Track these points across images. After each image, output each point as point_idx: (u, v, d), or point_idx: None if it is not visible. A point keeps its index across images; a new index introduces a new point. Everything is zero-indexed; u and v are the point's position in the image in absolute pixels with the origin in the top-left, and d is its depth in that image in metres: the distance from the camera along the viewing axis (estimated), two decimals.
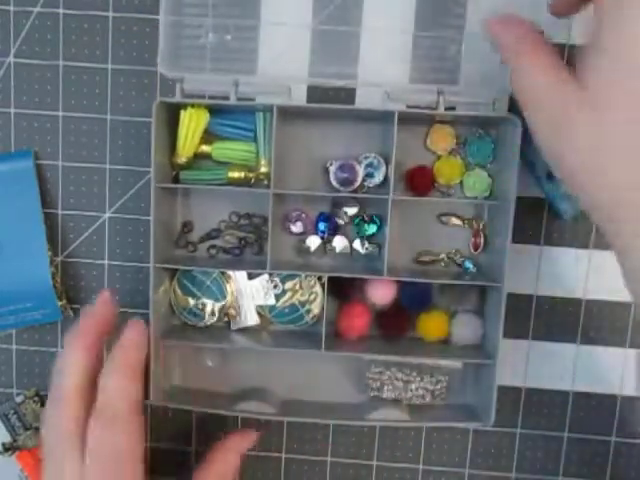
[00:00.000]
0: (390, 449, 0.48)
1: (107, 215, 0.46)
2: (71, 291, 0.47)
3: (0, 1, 0.44)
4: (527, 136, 0.40)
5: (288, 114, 0.43)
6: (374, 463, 0.48)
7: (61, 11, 0.44)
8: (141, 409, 0.37)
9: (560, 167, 0.31)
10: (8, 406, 0.47)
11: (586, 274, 0.45)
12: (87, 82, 0.45)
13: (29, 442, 0.47)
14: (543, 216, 0.45)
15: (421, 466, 0.48)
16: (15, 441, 0.47)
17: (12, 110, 0.45)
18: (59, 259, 0.47)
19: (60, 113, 0.45)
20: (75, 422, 0.36)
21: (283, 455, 0.48)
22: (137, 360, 0.38)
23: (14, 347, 0.48)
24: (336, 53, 0.43)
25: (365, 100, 0.44)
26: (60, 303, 0.46)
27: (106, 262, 0.47)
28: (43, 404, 0.47)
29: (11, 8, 0.44)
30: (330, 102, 0.44)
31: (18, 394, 0.48)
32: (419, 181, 0.44)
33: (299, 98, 0.44)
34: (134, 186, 0.46)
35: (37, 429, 0.47)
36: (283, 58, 0.43)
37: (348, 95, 0.44)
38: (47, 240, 0.46)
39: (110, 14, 0.44)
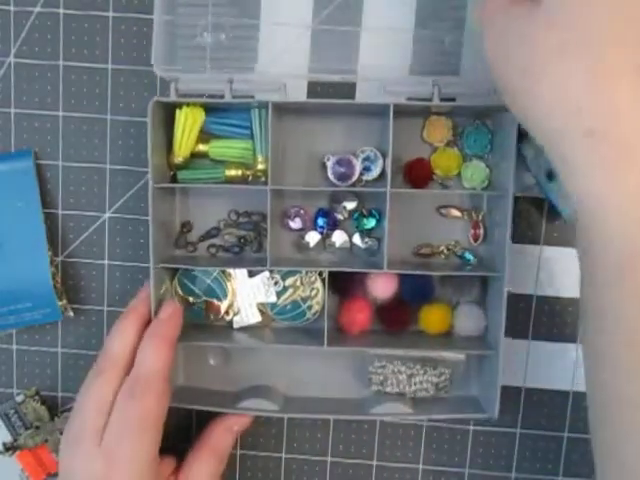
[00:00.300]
0: (390, 449, 0.48)
1: (107, 215, 0.46)
2: (71, 291, 0.47)
3: (0, 1, 0.44)
4: (525, 136, 0.40)
5: (283, 110, 0.43)
6: (374, 463, 0.48)
7: (61, 11, 0.44)
8: (170, 380, 0.40)
9: (504, 89, 0.32)
10: (8, 406, 0.47)
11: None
12: (87, 82, 0.45)
13: (30, 441, 0.47)
14: (543, 216, 0.45)
15: (421, 466, 0.48)
16: (16, 441, 0.47)
17: (12, 110, 0.45)
18: (59, 259, 0.47)
19: (60, 113, 0.45)
20: (114, 393, 0.38)
21: (283, 455, 0.48)
22: (172, 335, 0.41)
23: (14, 347, 0.48)
24: (336, 48, 0.43)
25: (365, 95, 0.44)
26: (60, 303, 0.46)
27: (106, 262, 0.47)
28: (43, 403, 0.47)
29: (11, 8, 0.44)
30: (330, 98, 0.44)
31: (18, 394, 0.48)
32: (417, 174, 0.44)
33: (299, 95, 0.44)
34: (134, 186, 0.46)
35: (38, 428, 0.47)
36: (283, 55, 0.43)
37: (349, 91, 0.44)
38: (47, 240, 0.46)
39: (110, 14, 0.44)
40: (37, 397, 0.48)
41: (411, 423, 0.48)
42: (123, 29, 0.44)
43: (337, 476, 0.48)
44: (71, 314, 0.47)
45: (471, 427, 0.48)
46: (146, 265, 0.42)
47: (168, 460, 0.42)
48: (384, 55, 0.43)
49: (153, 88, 0.45)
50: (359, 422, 0.48)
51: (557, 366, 0.47)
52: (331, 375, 0.47)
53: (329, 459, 0.48)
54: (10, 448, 0.47)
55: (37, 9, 0.44)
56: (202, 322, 0.45)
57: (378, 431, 0.48)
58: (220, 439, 0.43)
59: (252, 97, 0.42)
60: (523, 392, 0.47)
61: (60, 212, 0.46)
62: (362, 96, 0.44)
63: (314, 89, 0.44)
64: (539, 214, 0.45)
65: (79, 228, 0.47)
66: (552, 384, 0.47)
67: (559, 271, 0.46)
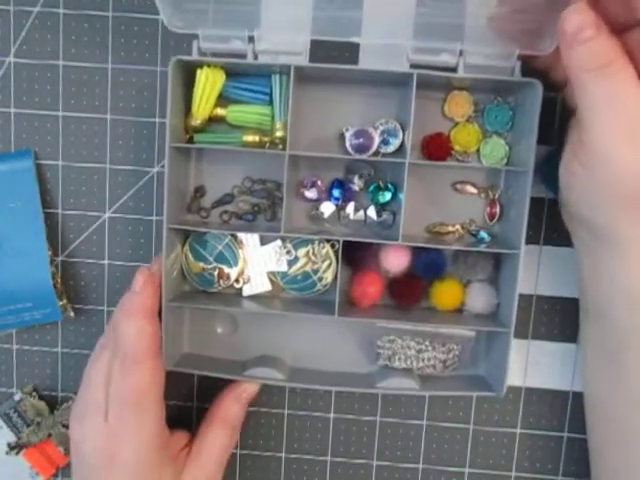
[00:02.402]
0: (390, 448, 0.48)
1: (107, 215, 0.46)
2: (71, 291, 0.47)
3: (0, 1, 0.44)
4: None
5: (304, 78, 0.42)
6: (374, 463, 0.48)
7: (61, 11, 0.44)
8: (158, 351, 0.40)
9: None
10: (7, 405, 0.47)
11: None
12: (87, 82, 0.45)
13: (33, 438, 0.47)
14: (543, 216, 0.45)
15: (421, 466, 0.48)
16: (19, 439, 0.47)
17: (12, 110, 0.45)
18: (59, 259, 0.47)
19: (60, 113, 0.45)
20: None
21: (283, 455, 0.48)
22: (151, 303, 0.41)
23: (14, 347, 0.48)
24: (339, 18, 0.41)
25: (371, 60, 0.43)
26: (60, 303, 0.46)
27: (106, 262, 0.47)
28: (41, 398, 0.48)
29: (11, 8, 0.44)
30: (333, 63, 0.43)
31: (15, 392, 0.48)
32: (435, 148, 0.43)
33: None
34: (134, 186, 0.46)
35: (39, 424, 0.47)
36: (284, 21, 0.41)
37: (351, 55, 0.44)
38: (47, 240, 0.46)
39: (110, 14, 0.44)
40: (35, 393, 0.48)
41: (411, 423, 0.48)
42: (123, 29, 0.44)
43: (337, 476, 0.48)
44: (71, 314, 0.47)
45: (471, 427, 0.48)
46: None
47: (180, 434, 0.43)
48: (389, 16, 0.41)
49: (153, 88, 0.45)
50: (359, 421, 0.48)
51: (557, 366, 0.47)
52: (339, 348, 0.46)
53: (329, 459, 0.48)
54: (15, 447, 0.47)
55: (37, 9, 0.44)
56: (212, 289, 0.45)
57: (378, 431, 0.48)
58: (229, 408, 0.44)
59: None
60: (523, 392, 0.47)
61: (60, 212, 0.46)
62: (365, 60, 0.43)
63: (316, 52, 0.43)
64: (539, 214, 0.45)
65: (79, 228, 0.47)
66: (552, 384, 0.47)
67: (559, 271, 0.46)
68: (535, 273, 0.46)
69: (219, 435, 0.43)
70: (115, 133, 0.45)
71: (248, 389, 0.44)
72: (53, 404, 0.48)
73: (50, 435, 0.47)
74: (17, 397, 0.48)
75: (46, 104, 0.45)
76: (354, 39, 0.41)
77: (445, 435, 0.48)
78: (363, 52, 0.44)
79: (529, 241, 0.45)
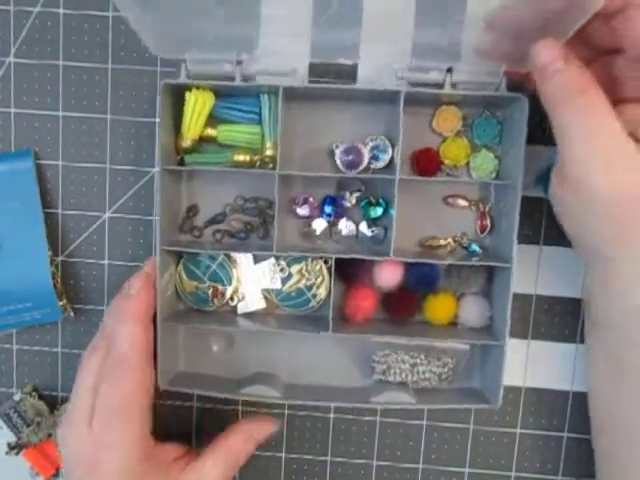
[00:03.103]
0: (390, 449, 0.48)
1: (107, 215, 0.46)
2: (71, 291, 0.47)
3: (0, 1, 0.44)
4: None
5: (293, 96, 0.42)
6: (374, 463, 0.48)
7: (61, 11, 0.44)
8: (151, 358, 0.40)
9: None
10: (7, 406, 0.47)
11: (586, 273, 0.45)
12: (87, 82, 0.45)
13: (33, 438, 0.47)
14: (543, 216, 0.45)
15: (421, 466, 0.48)
16: (19, 439, 0.47)
17: (12, 110, 0.45)
18: (59, 259, 0.47)
19: (60, 113, 0.45)
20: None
21: (283, 455, 0.48)
22: (146, 308, 0.40)
23: (14, 347, 0.48)
24: (338, 36, 0.42)
25: (367, 79, 0.44)
26: (60, 303, 0.46)
27: (106, 262, 0.47)
28: (41, 398, 0.48)
29: (11, 8, 0.44)
30: (331, 82, 0.44)
31: (15, 392, 0.48)
32: (425, 163, 0.43)
33: (300, 79, 0.44)
34: (134, 186, 0.46)
35: (39, 424, 0.47)
36: (283, 40, 0.42)
37: (350, 73, 0.44)
38: (47, 240, 0.46)
39: (110, 14, 0.44)
40: (34, 393, 0.48)
41: (411, 423, 0.48)
42: (123, 29, 0.44)
43: (337, 476, 0.48)
44: (71, 314, 0.47)
45: (471, 427, 0.48)
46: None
47: (170, 446, 0.42)
48: (386, 38, 0.42)
49: (153, 88, 0.45)
50: (359, 421, 0.48)
51: (557, 366, 0.47)
52: (334, 363, 0.46)
53: (329, 459, 0.48)
54: (15, 447, 0.47)
55: (37, 9, 0.44)
56: (207, 308, 0.45)
57: (378, 431, 0.48)
58: (238, 444, 0.42)
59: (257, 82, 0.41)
60: (523, 392, 0.47)
61: (60, 212, 0.46)
62: (364, 77, 0.44)
63: (314, 72, 0.44)
64: (539, 214, 0.45)
65: (79, 228, 0.47)
66: (552, 384, 0.47)
67: (559, 271, 0.46)
68: (535, 273, 0.46)
69: (220, 465, 0.41)
70: (115, 133, 0.45)
71: (262, 430, 0.43)
72: (53, 404, 0.48)
73: (50, 435, 0.47)
74: (17, 397, 0.48)
75: (46, 104, 0.45)
76: (351, 61, 0.42)
77: (445, 435, 0.48)
78: (362, 67, 0.44)
79: (529, 241, 0.45)
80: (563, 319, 0.46)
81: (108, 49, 0.45)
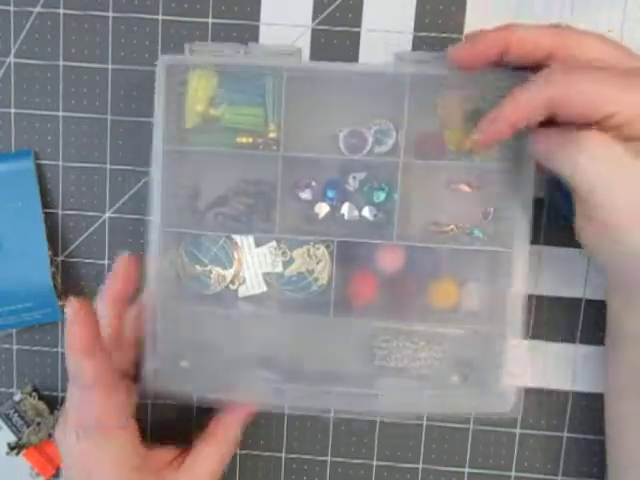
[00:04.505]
0: (390, 449, 0.48)
1: (107, 215, 0.46)
2: (71, 291, 0.47)
3: (0, 1, 0.44)
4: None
5: (297, 79, 0.42)
6: (374, 463, 0.48)
7: (61, 11, 0.44)
8: (112, 377, 0.38)
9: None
10: (7, 406, 0.47)
11: (586, 274, 0.45)
12: (87, 82, 0.45)
13: (34, 438, 0.47)
14: (543, 216, 0.45)
15: (421, 466, 0.48)
16: (19, 439, 0.47)
17: (12, 110, 0.45)
18: (59, 259, 0.47)
19: (60, 113, 0.45)
20: None
21: (283, 455, 0.48)
22: (87, 335, 0.36)
23: (14, 347, 0.48)
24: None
25: (369, 59, 0.44)
26: (60, 303, 0.46)
27: (106, 262, 0.47)
28: (41, 399, 0.48)
29: (11, 8, 0.44)
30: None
31: (15, 393, 0.48)
32: (429, 148, 0.43)
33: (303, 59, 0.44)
34: (134, 186, 0.46)
35: (39, 424, 0.47)
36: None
37: (352, 53, 0.44)
38: (47, 240, 0.46)
39: (110, 14, 0.44)
40: (34, 393, 0.48)
41: (411, 423, 0.48)
42: (123, 29, 0.44)
43: (337, 476, 0.48)
44: None
45: (471, 427, 0.48)
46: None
47: (163, 449, 0.42)
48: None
49: (153, 88, 0.45)
50: (359, 421, 0.48)
51: (557, 366, 0.47)
52: (335, 349, 0.46)
53: (329, 459, 0.48)
54: (15, 447, 0.47)
55: (37, 9, 0.44)
56: (207, 291, 0.45)
57: (378, 431, 0.48)
58: (228, 429, 0.43)
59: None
60: (523, 392, 0.47)
61: (60, 212, 0.46)
62: (365, 58, 0.44)
63: (315, 52, 0.44)
64: (539, 214, 0.45)
65: (79, 228, 0.47)
66: (552, 384, 0.47)
67: (559, 271, 0.46)
68: (535, 273, 0.46)
69: (212, 454, 0.41)
70: (115, 133, 0.45)
71: (244, 413, 0.43)
72: (53, 404, 0.48)
73: (50, 435, 0.47)
74: (17, 397, 0.48)
75: (46, 104, 0.45)
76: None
77: (445, 435, 0.48)
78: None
79: (529, 241, 0.45)
80: (563, 319, 0.46)
81: (108, 49, 0.45)
